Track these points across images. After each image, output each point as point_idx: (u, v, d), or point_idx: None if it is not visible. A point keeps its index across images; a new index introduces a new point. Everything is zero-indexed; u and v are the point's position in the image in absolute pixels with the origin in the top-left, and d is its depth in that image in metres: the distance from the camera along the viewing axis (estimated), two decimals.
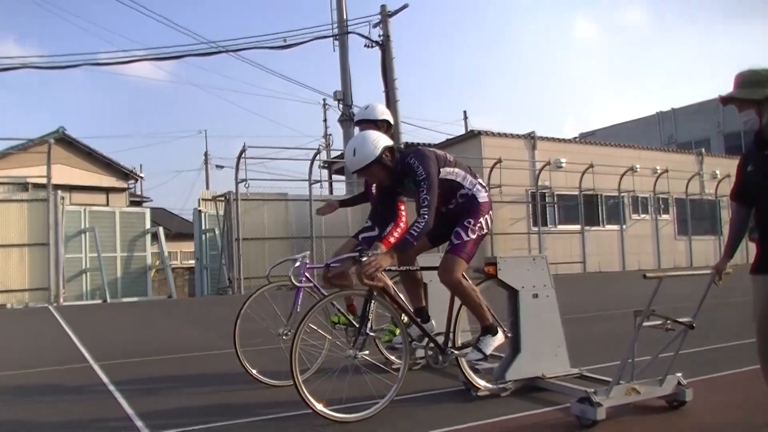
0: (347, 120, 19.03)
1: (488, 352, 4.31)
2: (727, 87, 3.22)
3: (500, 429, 3.71)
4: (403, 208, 5.18)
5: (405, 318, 4.52)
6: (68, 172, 23.53)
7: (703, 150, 28.10)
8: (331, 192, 24.89)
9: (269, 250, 17.28)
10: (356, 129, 5.40)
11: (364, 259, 3.95)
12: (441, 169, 4.31)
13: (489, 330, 4.37)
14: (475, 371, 4.51)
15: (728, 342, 5.88)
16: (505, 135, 22.69)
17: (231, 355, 5.05)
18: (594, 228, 23.66)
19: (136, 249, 20.74)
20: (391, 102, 18.72)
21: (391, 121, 5.40)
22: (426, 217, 4.01)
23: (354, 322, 4.76)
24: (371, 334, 4.35)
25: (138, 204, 29.52)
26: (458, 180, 4.43)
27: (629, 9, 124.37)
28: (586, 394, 3.61)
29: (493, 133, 22.52)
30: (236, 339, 4.99)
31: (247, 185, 17.39)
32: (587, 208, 23.47)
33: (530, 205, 22.37)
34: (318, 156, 18.22)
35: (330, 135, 36.24)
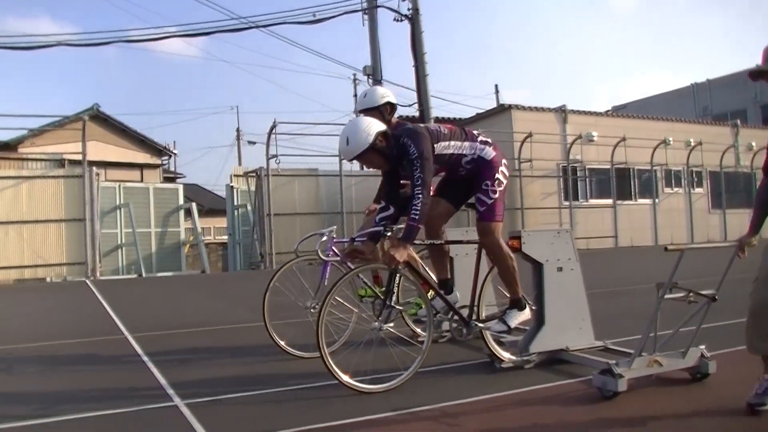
0: None
1: (513, 325, 4.37)
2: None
3: (522, 400, 3.76)
4: None
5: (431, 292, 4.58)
6: (103, 148, 23.87)
7: (739, 121, 27.46)
8: (361, 167, 24.91)
9: (300, 226, 17.41)
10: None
11: (389, 234, 4.02)
12: (436, 145, 4.26)
13: (517, 304, 4.42)
14: (499, 344, 4.57)
15: None
16: (536, 109, 22.47)
17: (261, 327, 5.16)
18: (626, 202, 23.41)
19: (169, 225, 21.04)
20: (420, 76, 18.60)
21: (394, 100, 5.34)
22: (420, 197, 4.00)
23: (380, 295, 4.82)
24: (397, 307, 4.43)
25: (171, 180, 29.82)
26: (457, 152, 4.39)
27: None
28: (608, 366, 3.64)
29: (523, 107, 22.33)
30: (265, 312, 5.10)
31: (277, 161, 17.49)
32: (619, 182, 23.22)
33: (561, 180, 22.20)
34: None
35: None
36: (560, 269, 4.43)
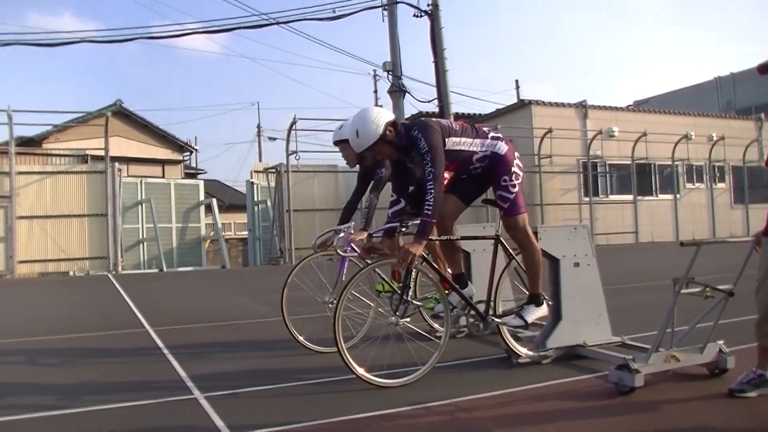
0: (397, 91, 18.93)
1: (530, 320, 4.37)
2: None
3: (539, 395, 3.77)
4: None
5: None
6: (125, 144, 24.10)
7: (763, 115, 27.07)
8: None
9: (319, 221, 17.48)
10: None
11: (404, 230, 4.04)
12: (447, 140, 4.24)
13: (535, 299, 4.42)
14: (516, 339, 4.57)
15: None
16: (556, 104, 22.36)
17: (279, 322, 5.21)
18: (647, 198, 23.24)
19: (190, 220, 21.23)
20: (440, 72, 18.54)
21: None
22: (432, 191, 3.99)
23: (397, 290, 4.84)
24: (414, 302, 4.44)
25: (193, 176, 30.03)
26: (468, 149, 4.37)
27: None
28: (624, 361, 3.64)
29: (543, 102, 22.22)
30: (284, 307, 5.15)
31: (297, 157, 17.57)
32: (640, 178, 23.03)
33: (581, 175, 22.07)
34: None
35: (380, 106, 36.09)
36: (577, 265, 4.43)
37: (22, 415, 3.62)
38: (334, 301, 4.80)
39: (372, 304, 5.11)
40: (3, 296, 11.35)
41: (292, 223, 17.36)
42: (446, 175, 4.43)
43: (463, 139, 4.36)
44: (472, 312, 4.50)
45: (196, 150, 31.94)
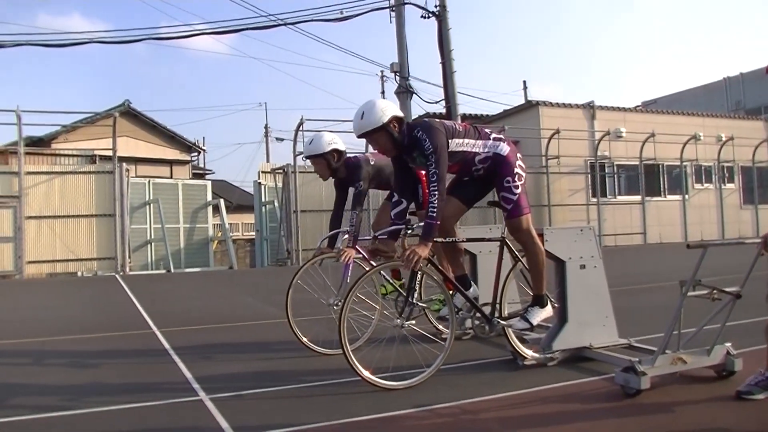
0: (404, 92, 18.92)
1: (535, 322, 4.35)
2: None
3: (544, 397, 3.76)
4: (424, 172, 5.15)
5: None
6: (133, 144, 24.17)
7: None
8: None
9: (326, 222, 17.38)
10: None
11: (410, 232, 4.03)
12: (450, 141, 4.23)
13: (539, 301, 4.40)
14: (522, 341, 4.56)
15: None
16: (564, 105, 22.32)
17: (286, 324, 5.21)
18: (655, 198, 23.16)
19: (198, 220, 21.26)
20: (447, 73, 18.51)
21: (341, 147, 5.33)
22: (436, 193, 3.98)
23: (400, 290, 4.84)
24: (420, 304, 4.44)
25: (200, 176, 30.07)
26: (471, 149, 4.35)
27: None
28: (631, 364, 3.63)
29: (551, 103, 22.19)
30: (288, 309, 5.15)
31: (304, 158, 17.54)
32: (648, 178, 22.96)
33: (589, 176, 22.02)
34: None
35: None
36: (583, 267, 4.42)
37: (29, 416, 3.63)
38: (339, 303, 4.81)
39: (377, 306, 5.10)
40: (11, 296, 11.40)
41: (300, 223, 17.36)
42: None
43: (466, 140, 4.34)
44: (478, 314, 4.49)
45: (204, 150, 32.05)
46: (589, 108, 22.45)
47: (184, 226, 20.87)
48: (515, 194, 4.35)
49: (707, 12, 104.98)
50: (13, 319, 8.26)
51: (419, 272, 4.17)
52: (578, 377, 4.13)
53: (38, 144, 21.37)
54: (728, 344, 3.91)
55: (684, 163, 23.43)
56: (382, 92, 35.94)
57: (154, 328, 6.71)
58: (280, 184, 19.10)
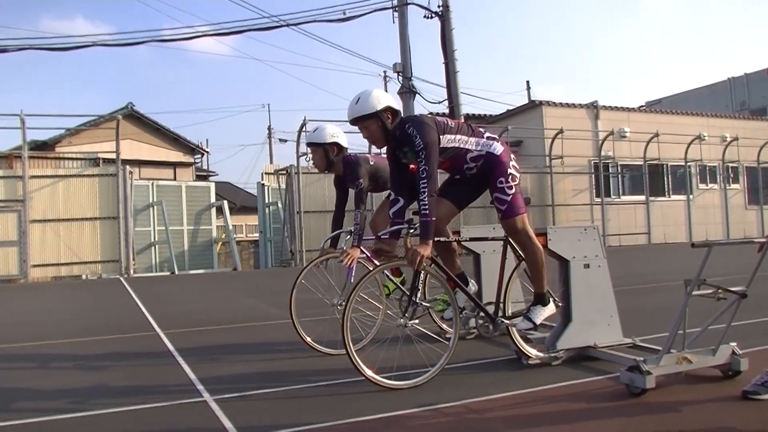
0: (407, 92, 18.95)
1: (538, 321, 4.33)
2: None
3: (549, 397, 3.74)
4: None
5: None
6: (137, 147, 24.19)
7: None
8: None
9: (330, 223, 17.43)
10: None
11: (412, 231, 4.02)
12: (442, 137, 4.19)
13: (540, 299, 4.38)
14: (527, 340, 4.55)
15: None
16: (567, 105, 22.33)
17: (289, 324, 5.21)
18: (659, 198, 23.15)
19: (202, 222, 21.28)
20: (450, 73, 18.53)
21: (342, 143, 5.31)
22: (426, 190, 3.96)
23: (401, 288, 4.82)
24: (424, 303, 4.42)
25: (204, 178, 30.12)
26: (463, 146, 4.31)
27: None
28: (636, 363, 3.61)
29: (554, 103, 22.19)
30: (292, 309, 5.15)
31: (308, 159, 17.61)
32: (652, 178, 22.96)
33: (593, 176, 22.00)
34: None
35: None
36: (587, 266, 4.40)
37: (34, 419, 3.62)
38: (343, 303, 4.80)
39: (381, 306, 5.10)
40: (16, 300, 11.43)
41: (303, 224, 17.39)
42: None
43: (458, 137, 4.30)
44: (482, 313, 4.48)
45: (207, 152, 32.10)
46: (593, 108, 22.45)
47: (187, 228, 20.89)
48: (509, 195, 4.32)
49: (712, 12, 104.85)
50: (18, 322, 8.29)
51: (422, 271, 4.16)
52: (583, 377, 4.11)
53: (42, 148, 21.44)
54: (734, 344, 3.89)
55: (688, 164, 23.40)
56: (385, 92, 35.86)
57: (158, 330, 6.71)
58: (283, 186, 19.12)
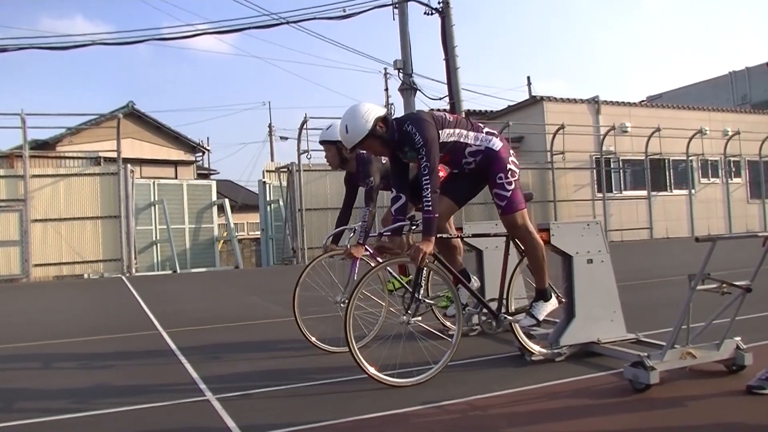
0: (408, 89, 18.93)
1: (541, 317, 4.32)
2: None
3: (553, 393, 3.73)
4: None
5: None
6: (138, 146, 24.18)
7: None
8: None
9: (332, 220, 17.41)
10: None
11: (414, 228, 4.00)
12: (440, 131, 4.17)
13: (542, 295, 4.37)
14: (530, 336, 4.53)
15: None
16: (568, 100, 22.27)
17: (292, 322, 5.20)
18: (661, 193, 23.10)
19: (203, 221, 21.25)
20: (451, 69, 18.49)
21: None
22: (428, 187, 3.95)
23: (407, 286, 4.81)
24: (427, 300, 4.41)
25: (205, 176, 30.08)
26: (462, 140, 4.29)
27: None
28: (639, 358, 3.60)
29: (555, 98, 22.13)
30: (295, 307, 5.14)
31: (309, 156, 17.59)
32: (654, 173, 22.91)
33: (594, 171, 21.97)
34: None
35: (392, 104, 36.08)
36: (590, 261, 4.38)
37: (36, 419, 3.62)
38: (346, 301, 4.79)
39: (383, 304, 5.08)
40: (18, 300, 11.44)
41: (305, 222, 17.37)
42: (441, 174, 4.39)
43: (457, 131, 4.28)
44: (485, 310, 4.47)
45: (208, 150, 32.04)
46: (594, 103, 22.40)
47: (189, 226, 20.86)
48: (508, 191, 4.30)
49: (712, 6, 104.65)
50: (20, 322, 8.29)
51: (425, 268, 4.15)
52: (586, 372, 4.10)
53: (43, 147, 21.42)
54: (738, 338, 3.88)
55: (690, 158, 23.35)
56: (386, 89, 35.97)
57: (161, 329, 6.70)
58: (284, 183, 19.10)
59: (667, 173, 23.54)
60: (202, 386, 4.18)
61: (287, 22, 18.54)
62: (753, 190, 25.25)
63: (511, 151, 4.46)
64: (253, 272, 19.13)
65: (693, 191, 23.59)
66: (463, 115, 16.16)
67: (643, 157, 22.46)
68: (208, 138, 38.61)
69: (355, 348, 3.88)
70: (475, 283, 4.64)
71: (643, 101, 30.55)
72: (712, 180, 24.38)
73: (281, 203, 19.84)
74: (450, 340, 4.19)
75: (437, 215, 4.02)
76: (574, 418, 3.30)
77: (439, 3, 18.64)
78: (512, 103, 24.18)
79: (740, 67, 37.37)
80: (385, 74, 35.01)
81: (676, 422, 3.16)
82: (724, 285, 3.61)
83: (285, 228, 18.99)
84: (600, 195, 21.78)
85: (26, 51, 17.63)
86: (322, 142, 5.32)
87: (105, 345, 6.01)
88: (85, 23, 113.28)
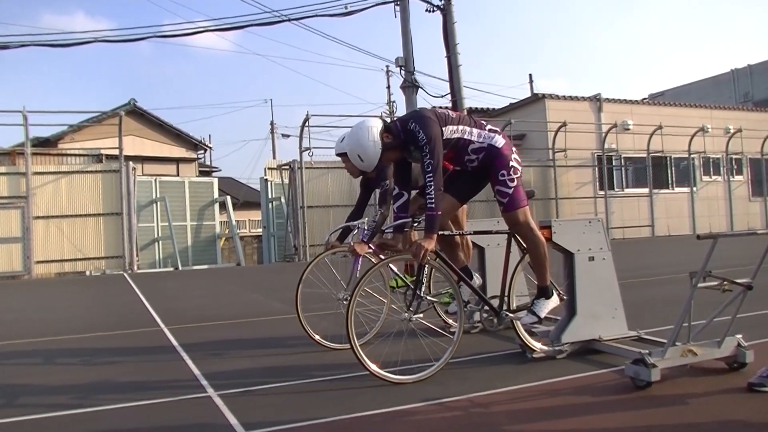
0: (410, 87, 18.90)
1: (542, 315, 4.32)
2: None
3: (554, 390, 3.73)
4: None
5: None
6: (140, 143, 24.22)
7: None
8: None
9: (333, 218, 17.51)
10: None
11: (415, 225, 4.00)
12: (444, 128, 4.17)
13: (544, 292, 4.38)
14: (531, 334, 4.54)
15: None
16: (570, 98, 22.27)
17: (294, 319, 5.21)
18: (663, 191, 23.10)
19: (205, 218, 21.29)
20: (453, 67, 18.46)
21: None
22: (432, 184, 3.95)
23: (411, 285, 4.81)
24: (428, 297, 4.41)
25: (207, 174, 30.12)
26: (465, 137, 4.28)
27: None
28: (641, 356, 3.60)
29: (557, 96, 22.14)
30: (298, 304, 5.14)
31: (311, 153, 17.61)
32: (656, 171, 22.92)
33: (596, 169, 21.96)
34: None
35: (393, 102, 36.03)
36: (592, 259, 4.39)
37: (38, 415, 3.63)
38: (348, 298, 4.79)
39: (385, 301, 5.09)
40: (20, 296, 11.45)
41: (306, 219, 17.38)
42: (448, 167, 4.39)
43: (461, 127, 4.28)
44: (486, 307, 4.47)
45: (210, 148, 32.06)
46: (596, 101, 22.41)
47: (191, 223, 20.90)
48: (511, 188, 4.30)
49: (715, 4, 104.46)
50: (22, 319, 8.30)
51: (426, 265, 4.15)
52: (588, 370, 4.10)
53: (45, 144, 21.46)
54: (739, 336, 3.88)
55: (692, 156, 23.34)
56: (388, 87, 35.99)
57: (162, 326, 6.71)
58: (286, 181, 19.12)
59: (669, 171, 23.54)
60: (204, 383, 4.19)
61: (289, 20, 18.53)
62: (755, 187, 25.24)
63: (514, 149, 4.46)
64: (254, 269, 19.14)
65: (695, 189, 23.60)
66: (465, 113, 16.19)
67: (645, 155, 22.46)
68: (209, 135, 38.77)
69: (357, 345, 3.88)
70: (476, 280, 4.64)
71: (645, 99, 30.53)
72: (713, 178, 24.38)
73: (283, 200, 19.86)
74: (451, 337, 4.19)
75: (440, 212, 4.02)
76: (575, 416, 3.30)
77: (440, 0, 18.62)
78: (514, 101, 24.19)
79: (742, 65, 37.39)
80: (387, 72, 35.00)
81: (678, 419, 3.16)
82: (726, 282, 3.61)
83: (287, 225, 19.01)
84: (602, 192, 21.78)
85: (28, 48, 17.66)
86: (339, 155, 5.30)
87: (107, 342, 6.02)
88: (86, 20, 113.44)
